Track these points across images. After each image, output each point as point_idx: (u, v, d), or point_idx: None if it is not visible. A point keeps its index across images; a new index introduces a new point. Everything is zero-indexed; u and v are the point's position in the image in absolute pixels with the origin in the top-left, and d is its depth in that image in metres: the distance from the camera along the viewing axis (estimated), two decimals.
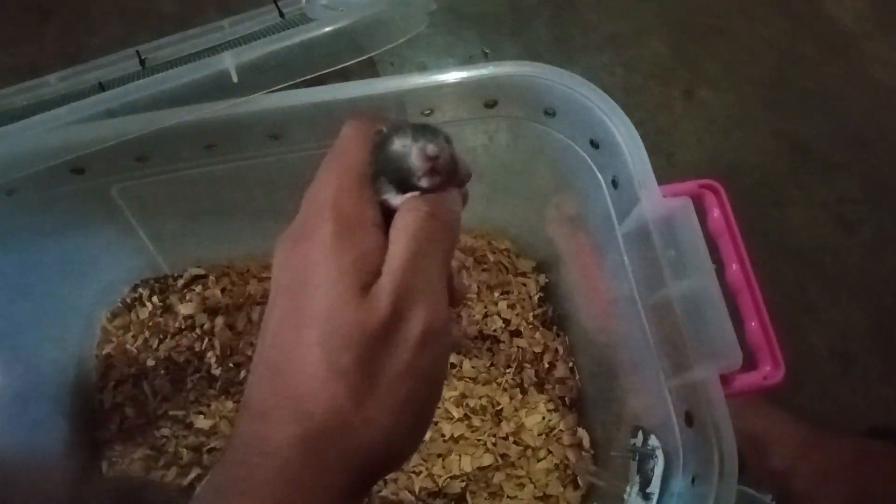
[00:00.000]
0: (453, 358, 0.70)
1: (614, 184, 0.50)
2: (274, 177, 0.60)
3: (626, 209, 0.49)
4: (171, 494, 0.64)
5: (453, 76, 0.52)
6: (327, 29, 0.50)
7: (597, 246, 0.58)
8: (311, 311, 0.30)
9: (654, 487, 0.49)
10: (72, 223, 0.59)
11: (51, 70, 0.71)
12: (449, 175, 0.34)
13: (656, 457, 0.50)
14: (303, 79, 0.51)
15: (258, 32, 0.73)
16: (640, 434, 0.53)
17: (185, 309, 0.71)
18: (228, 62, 0.48)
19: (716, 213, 0.51)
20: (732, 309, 0.46)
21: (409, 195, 0.33)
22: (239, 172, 0.58)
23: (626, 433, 0.56)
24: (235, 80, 0.48)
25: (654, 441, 0.51)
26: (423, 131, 0.33)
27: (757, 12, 0.89)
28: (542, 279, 0.74)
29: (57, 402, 0.64)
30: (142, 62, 0.74)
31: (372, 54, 0.50)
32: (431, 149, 0.32)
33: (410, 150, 0.33)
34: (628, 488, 0.52)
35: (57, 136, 0.48)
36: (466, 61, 0.85)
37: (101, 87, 0.58)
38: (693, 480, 0.45)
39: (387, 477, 0.64)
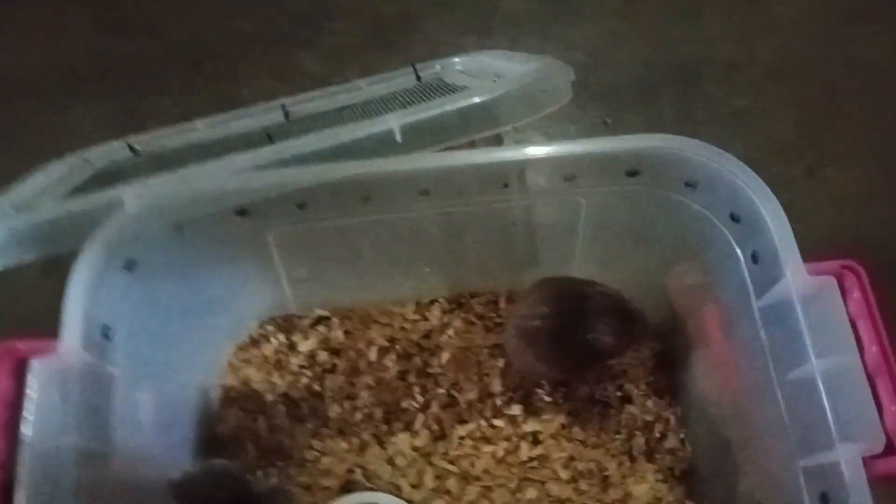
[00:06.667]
0: (563, 419, 0.71)
1: (754, 258, 0.51)
2: (411, 230, 0.63)
3: (767, 284, 0.50)
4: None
5: (597, 145, 0.54)
6: (482, 98, 0.53)
7: (727, 318, 0.58)
8: None
9: None
10: (224, 259, 0.63)
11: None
12: None
13: None
14: (457, 142, 0.54)
15: (397, 94, 0.78)
16: None
17: (305, 346, 0.75)
18: (393, 123, 0.52)
19: (856, 294, 0.52)
20: (871, 393, 0.46)
21: None
22: (383, 224, 0.61)
23: None
24: (399, 139, 0.51)
25: None
26: None
27: (885, 94, 0.89)
28: (657, 346, 0.75)
29: (186, 428, 0.68)
30: (286, 114, 0.80)
31: (524, 122, 0.54)
32: None
33: None
34: None
35: (233, 181, 0.52)
36: (588, 129, 0.87)
37: (270, 139, 0.63)
38: None
39: None
